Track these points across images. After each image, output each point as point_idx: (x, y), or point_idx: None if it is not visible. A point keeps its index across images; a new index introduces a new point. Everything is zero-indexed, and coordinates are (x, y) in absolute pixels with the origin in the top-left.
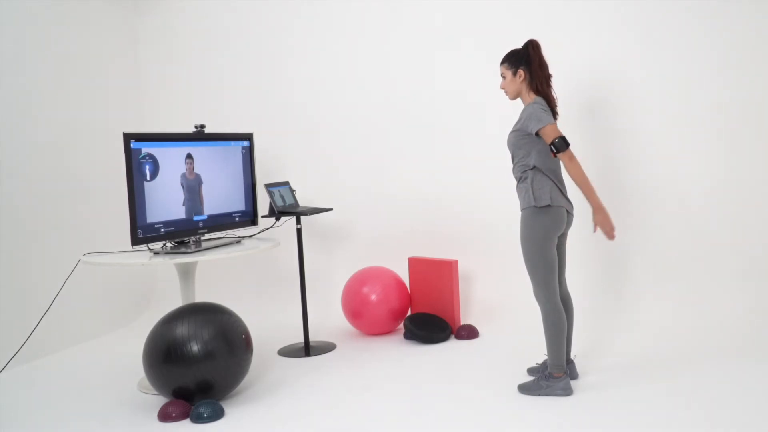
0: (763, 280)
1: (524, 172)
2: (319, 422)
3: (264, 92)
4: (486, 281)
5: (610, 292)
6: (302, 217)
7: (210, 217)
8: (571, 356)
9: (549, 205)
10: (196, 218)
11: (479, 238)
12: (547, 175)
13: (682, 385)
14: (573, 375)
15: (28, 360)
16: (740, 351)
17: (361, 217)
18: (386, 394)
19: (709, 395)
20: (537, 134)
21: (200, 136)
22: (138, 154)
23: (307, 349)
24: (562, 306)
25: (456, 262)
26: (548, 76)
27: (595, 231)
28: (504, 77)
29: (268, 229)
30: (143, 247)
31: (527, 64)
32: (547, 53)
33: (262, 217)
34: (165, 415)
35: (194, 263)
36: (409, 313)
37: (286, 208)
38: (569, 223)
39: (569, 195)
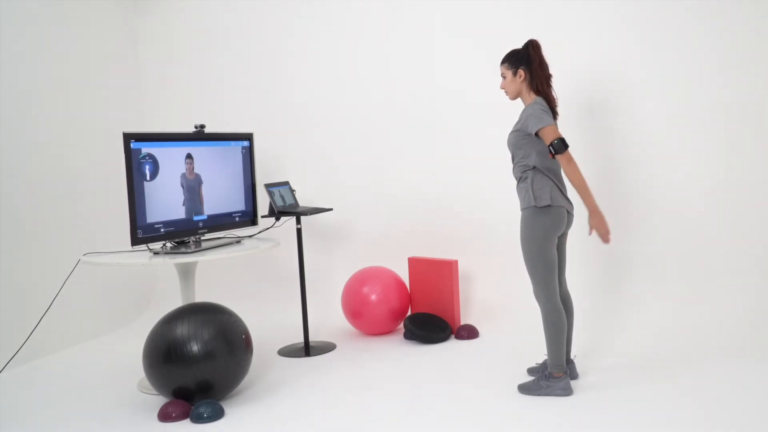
0: (763, 280)
1: (524, 172)
2: (319, 422)
3: (264, 92)
4: (486, 281)
5: (610, 292)
6: (302, 217)
7: (210, 217)
8: (571, 356)
9: (549, 205)
10: (196, 218)
11: (479, 238)
12: (547, 175)
13: (682, 385)
14: (573, 375)
15: (28, 360)
16: (740, 351)
17: (361, 217)
18: (386, 394)
19: (709, 395)
20: (537, 134)
21: (200, 136)
22: (138, 154)
23: (307, 349)
24: (562, 306)
25: (456, 262)
26: (548, 76)
27: (590, 234)
28: (504, 77)
29: (268, 229)
30: (143, 247)
31: (527, 64)
32: (548, 53)
33: (262, 217)
34: (165, 415)
35: (194, 263)
36: (409, 313)
37: (286, 208)
38: (569, 223)
39: (569, 195)
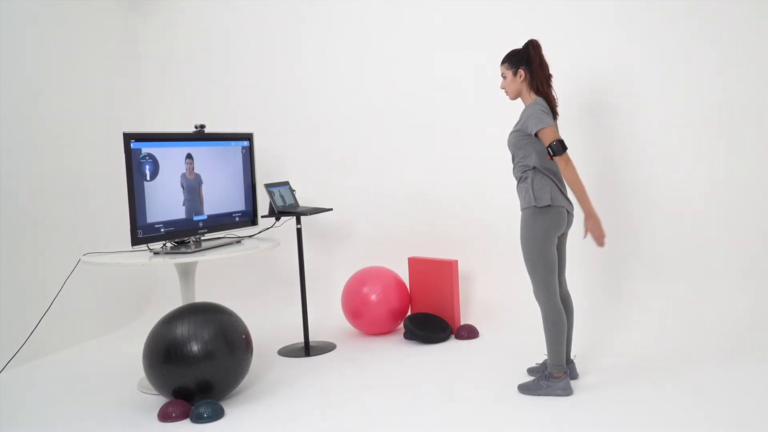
0: (763, 280)
1: (524, 173)
2: (319, 422)
3: (264, 92)
4: (486, 281)
5: (610, 292)
6: (302, 217)
7: (210, 217)
8: (571, 356)
9: (549, 205)
10: (196, 218)
11: (479, 238)
12: (547, 176)
13: (682, 385)
14: (573, 375)
15: (28, 360)
16: (740, 351)
17: (361, 217)
18: (386, 394)
19: (709, 395)
20: (536, 135)
21: (200, 136)
22: (138, 154)
23: (307, 349)
24: (562, 306)
25: (456, 262)
26: (549, 76)
27: (585, 237)
28: (504, 77)
29: (268, 229)
30: (143, 247)
31: (528, 64)
32: (548, 53)
33: (262, 217)
34: (165, 415)
35: (194, 263)
36: (409, 313)
37: (286, 208)
38: (569, 223)
39: (569, 195)
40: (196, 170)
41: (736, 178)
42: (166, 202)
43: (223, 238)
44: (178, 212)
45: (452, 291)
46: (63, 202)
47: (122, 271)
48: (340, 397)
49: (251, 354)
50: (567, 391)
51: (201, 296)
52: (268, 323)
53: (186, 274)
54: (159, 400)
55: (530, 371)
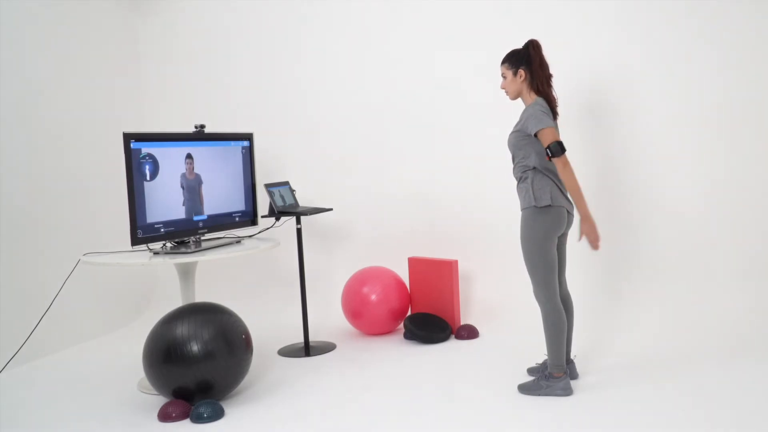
0: (763, 280)
1: (524, 173)
2: (319, 422)
3: (264, 92)
4: (486, 281)
5: (610, 292)
6: (302, 217)
7: (210, 217)
8: (571, 356)
9: (549, 205)
10: (196, 218)
11: (479, 238)
12: (547, 176)
13: (682, 385)
14: (573, 375)
15: (28, 360)
16: (740, 351)
17: (361, 217)
18: (386, 394)
19: (709, 395)
20: (536, 135)
21: (200, 136)
22: (138, 154)
23: (307, 349)
24: (562, 306)
25: (456, 262)
26: (549, 76)
27: (579, 240)
28: (504, 77)
29: (268, 229)
30: (143, 247)
31: (528, 64)
32: (548, 53)
33: (262, 217)
34: (165, 415)
35: (194, 263)
36: (409, 313)
37: (286, 208)
38: (569, 223)
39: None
40: (196, 170)
41: (736, 178)
42: (166, 202)
43: (223, 238)
44: (178, 212)
45: (452, 291)
46: (63, 202)
47: (122, 271)
48: (340, 397)
49: (251, 354)
50: (567, 391)
51: (201, 296)
52: (268, 323)
53: (186, 274)
54: (159, 400)
55: (530, 371)
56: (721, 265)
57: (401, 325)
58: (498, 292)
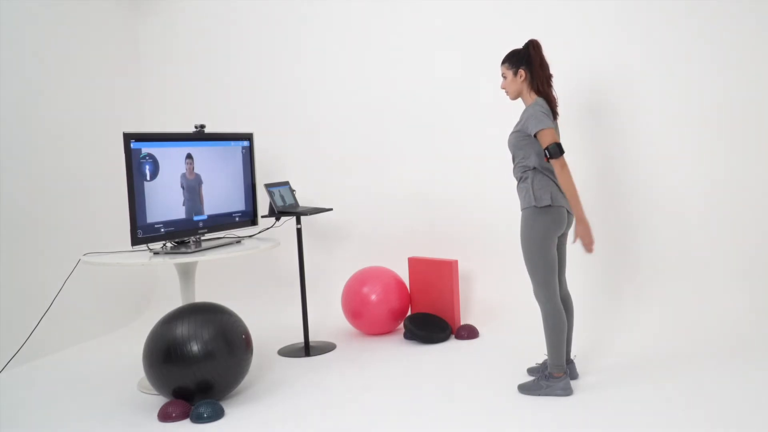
0: (763, 280)
1: (524, 173)
2: (319, 422)
3: (264, 92)
4: (486, 281)
5: (610, 292)
6: (302, 217)
7: (210, 217)
8: (571, 356)
9: (549, 205)
10: (196, 218)
11: (479, 238)
12: (547, 176)
13: (682, 385)
14: (573, 375)
15: (28, 360)
16: (740, 351)
17: (361, 217)
18: (386, 394)
19: (709, 395)
20: (535, 136)
21: (200, 136)
22: (138, 154)
23: (307, 349)
24: (562, 306)
25: (456, 262)
26: (549, 76)
27: (574, 242)
28: (505, 77)
29: (268, 229)
30: (143, 247)
31: (528, 64)
32: (548, 53)
33: (262, 217)
34: (165, 415)
35: (194, 263)
36: (409, 313)
37: (286, 208)
38: (569, 223)
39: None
40: (196, 170)
41: (736, 178)
42: (166, 202)
43: (223, 238)
44: (178, 212)
45: (452, 291)
46: (63, 202)
47: (122, 271)
48: (340, 397)
49: (251, 354)
50: (567, 391)
51: (201, 296)
52: (268, 323)
53: (186, 274)
54: (159, 400)
55: (530, 371)
56: (721, 265)
57: (401, 325)
58: (498, 292)
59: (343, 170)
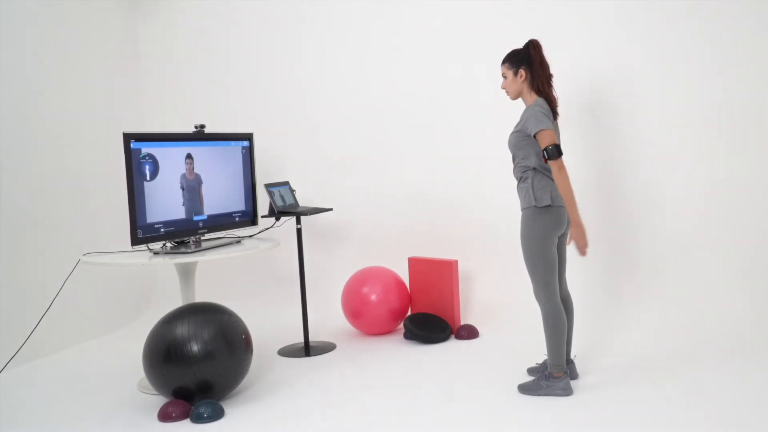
0: (763, 280)
1: (524, 173)
2: (319, 422)
3: (264, 92)
4: (486, 281)
5: (610, 292)
6: (302, 217)
7: (210, 217)
8: (571, 356)
9: (549, 205)
10: (196, 218)
11: (479, 238)
12: (547, 176)
13: (682, 385)
14: (573, 375)
15: (28, 360)
16: (740, 351)
17: (361, 217)
18: (386, 394)
19: (709, 395)
20: (535, 136)
21: (200, 136)
22: (138, 154)
23: (307, 349)
24: (562, 306)
25: (456, 262)
26: (549, 76)
27: (568, 244)
28: (505, 77)
29: (268, 229)
30: (143, 247)
31: (528, 64)
32: (548, 53)
33: (262, 217)
34: (165, 415)
35: (194, 263)
36: (409, 313)
37: (286, 208)
38: (569, 224)
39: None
40: (196, 170)
41: (736, 178)
42: (166, 202)
43: (223, 238)
44: (178, 212)
45: (452, 291)
46: (63, 202)
47: (122, 271)
48: (340, 397)
49: (251, 354)
50: (567, 391)
51: (201, 296)
52: (268, 323)
53: (186, 274)
54: (159, 400)
55: (530, 371)
56: (721, 265)
57: (401, 325)
58: (498, 292)
59: (343, 170)
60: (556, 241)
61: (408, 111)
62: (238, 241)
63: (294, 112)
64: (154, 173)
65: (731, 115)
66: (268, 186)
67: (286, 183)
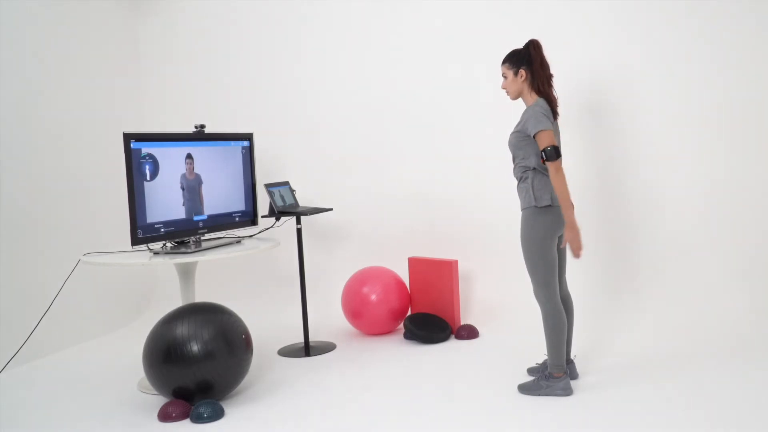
0: (763, 280)
1: (525, 173)
2: (319, 422)
3: (264, 92)
4: (486, 281)
5: (610, 292)
6: (302, 217)
7: (210, 217)
8: (571, 356)
9: (549, 205)
10: (196, 218)
11: (479, 238)
12: (547, 176)
13: (682, 385)
14: (573, 375)
15: (28, 360)
16: (740, 351)
17: (361, 217)
18: (386, 394)
19: (709, 395)
20: (534, 137)
21: (200, 136)
22: (138, 154)
23: (307, 349)
24: (562, 306)
25: (456, 262)
26: (549, 76)
27: (562, 246)
28: (505, 77)
29: (268, 229)
30: (143, 247)
31: (528, 64)
32: (548, 53)
33: (262, 217)
34: (165, 415)
35: (194, 263)
36: (409, 313)
37: (286, 208)
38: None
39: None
40: (196, 170)
41: (736, 178)
42: (166, 202)
43: (223, 238)
44: (178, 212)
45: (452, 291)
46: (63, 202)
47: (122, 271)
48: (340, 397)
49: (251, 354)
50: (567, 391)
51: (201, 296)
52: (268, 323)
53: (186, 274)
54: (159, 400)
55: (530, 371)
56: (721, 265)
57: (401, 325)
58: (498, 292)
59: (343, 170)
60: (557, 241)
61: (408, 111)
62: (238, 241)
63: (294, 112)
64: (154, 173)
65: (731, 115)
66: (268, 186)
67: (286, 183)
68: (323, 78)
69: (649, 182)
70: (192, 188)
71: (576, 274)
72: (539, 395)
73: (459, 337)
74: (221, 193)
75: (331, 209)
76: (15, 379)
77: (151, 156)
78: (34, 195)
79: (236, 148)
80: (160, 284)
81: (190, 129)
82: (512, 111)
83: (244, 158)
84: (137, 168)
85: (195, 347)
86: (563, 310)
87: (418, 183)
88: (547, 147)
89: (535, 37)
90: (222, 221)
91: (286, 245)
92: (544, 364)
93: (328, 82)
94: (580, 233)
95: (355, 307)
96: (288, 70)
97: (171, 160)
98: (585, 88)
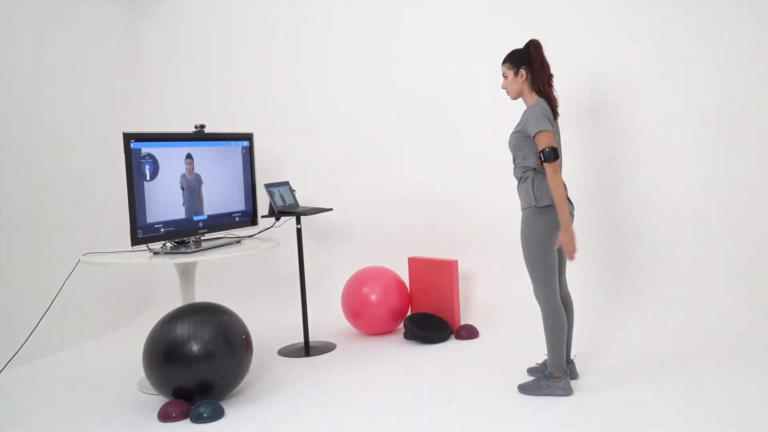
0: (763, 280)
1: (525, 173)
2: (319, 422)
3: (264, 92)
4: (486, 281)
5: (610, 292)
6: (302, 217)
7: (210, 217)
8: (571, 356)
9: (550, 205)
10: (196, 218)
11: (479, 238)
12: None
13: (682, 385)
14: (573, 375)
15: (28, 360)
16: (740, 351)
17: (361, 217)
18: (386, 394)
19: (709, 395)
20: (534, 137)
21: (200, 136)
22: (138, 154)
23: (307, 349)
24: (562, 306)
25: (456, 262)
26: (550, 76)
27: (557, 248)
28: (505, 77)
29: (268, 229)
30: (143, 247)
31: (529, 64)
32: (548, 53)
33: (262, 217)
34: (165, 415)
35: (194, 263)
36: (409, 313)
37: (286, 208)
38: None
39: (570, 195)
40: (196, 170)
41: (736, 178)
42: (165, 202)
43: (223, 238)
44: (178, 212)
45: (452, 291)
46: (63, 202)
47: (122, 271)
48: (340, 397)
49: (251, 354)
50: (567, 391)
51: (201, 296)
52: (268, 323)
53: (186, 274)
54: (159, 400)
55: (530, 371)
56: (721, 265)
57: (401, 325)
58: (498, 292)
59: (343, 170)
60: (556, 241)
61: (408, 111)
62: (238, 241)
63: (294, 112)
64: (154, 173)
65: (731, 115)
66: (268, 186)
67: (286, 183)
68: (323, 78)
69: (649, 182)
70: (192, 188)
71: (576, 274)
72: (539, 395)
73: (459, 337)
74: (221, 193)
75: (331, 209)
76: (15, 379)
77: (151, 156)
78: (34, 195)
79: (236, 148)
80: (160, 284)
81: (190, 129)
82: (512, 111)
83: (244, 158)
84: (137, 168)
85: (195, 347)
86: (563, 310)
87: (418, 183)
88: (545, 148)
89: (535, 37)
90: (222, 221)
91: (286, 245)
92: (544, 364)
93: (328, 82)
94: (574, 236)
95: (355, 307)
96: (288, 70)
97: (171, 160)
98: (585, 88)
